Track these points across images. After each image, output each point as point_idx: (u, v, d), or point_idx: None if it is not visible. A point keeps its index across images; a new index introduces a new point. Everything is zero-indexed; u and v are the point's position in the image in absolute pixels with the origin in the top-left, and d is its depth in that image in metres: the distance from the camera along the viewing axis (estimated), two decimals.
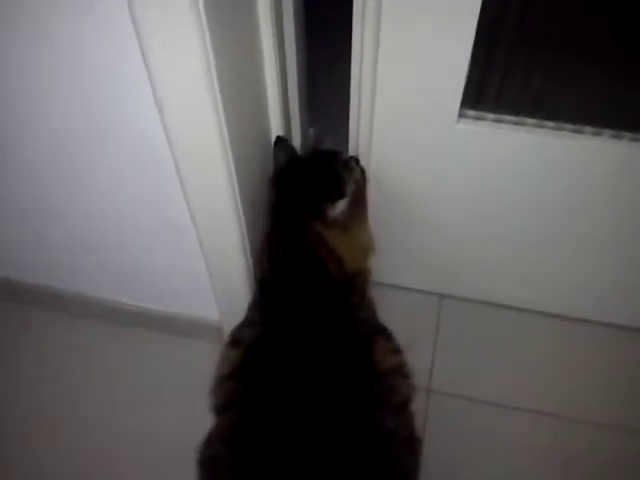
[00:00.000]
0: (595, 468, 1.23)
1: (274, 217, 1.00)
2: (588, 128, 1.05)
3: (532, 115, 1.05)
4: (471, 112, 1.06)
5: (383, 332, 1.00)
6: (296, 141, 1.19)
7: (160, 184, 1.01)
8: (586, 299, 1.39)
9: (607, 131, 1.05)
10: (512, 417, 1.30)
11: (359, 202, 1.03)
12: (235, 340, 0.99)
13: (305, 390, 0.89)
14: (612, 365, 1.38)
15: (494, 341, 1.41)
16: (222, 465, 0.89)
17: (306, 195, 0.99)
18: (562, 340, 1.41)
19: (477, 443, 1.26)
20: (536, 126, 1.06)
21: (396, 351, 0.98)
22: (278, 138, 1.07)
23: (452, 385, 1.34)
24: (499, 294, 1.44)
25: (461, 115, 1.06)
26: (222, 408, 0.95)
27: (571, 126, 1.05)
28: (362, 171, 1.07)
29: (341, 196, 0.98)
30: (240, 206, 1.00)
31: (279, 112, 1.07)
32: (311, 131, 1.24)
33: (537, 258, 1.32)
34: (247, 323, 1.01)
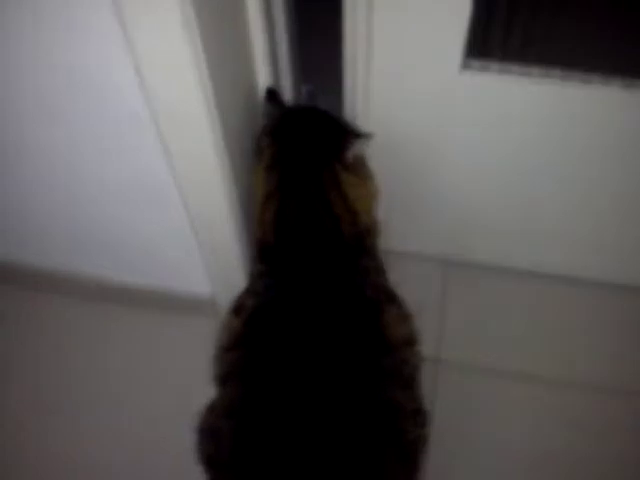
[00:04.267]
0: (611, 434, 1.22)
1: (280, 172, 0.94)
2: (596, 77, 1.01)
3: (538, 64, 1.01)
4: (475, 62, 1.02)
5: (393, 299, 0.97)
6: (287, 98, 1.12)
7: (144, 152, 0.97)
8: (601, 260, 1.36)
9: (618, 80, 1.00)
10: (522, 383, 1.28)
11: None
12: (237, 309, 0.96)
13: (310, 362, 0.86)
14: (630, 329, 1.35)
15: (501, 307, 1.39)
16: (223, 437, 0.88)
17: (322, 139, 0.94)
18: (573, 303, 1.39)
19: (487, 411, 1.25)
20: (543, 75, 1.02)
21: (407, 319, 0.96)
22: (269, 91, 1.01)
23: (461, 353, 1.32)
24: (508, 258, 1.41)
25: (464, 66, 1.01)
26: (224, 379, 0.93)
27: (579, 75, 1.01)
28: None
29: (358, 136, 0.95)
30: (228, 168, 0.96)
31: (267, 68, 1.02)
32: (304, 89, 1.18)
33: (547, 217, 1.28)
34: (249, 291, 0.97)
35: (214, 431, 0.90)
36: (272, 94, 1.01)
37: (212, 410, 0.92)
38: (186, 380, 1.17)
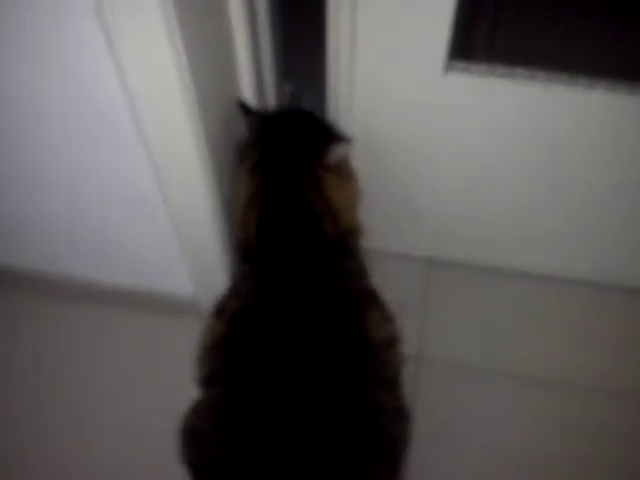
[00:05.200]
0: (592, 434, 1.23)
1: (262, 175, 0.94)
2: (581, 79, 1.01)
3: (522, 66, 1.01)
4: (458, 64, 1.01)
5: (375, 300, 0.97)
6: (270, 99, 1.12)
7: (131, 154, 0.97)
8: (582, 260, 1.37)
9: (602, 82, 1.00)
10: (504, 383, 1.29)
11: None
12: (220, 310, 0.96)
13: (293, 363, 0.86)
14: (609, 328, 1.36)
15: (484, 306, 1.39)
16: (207, 440, 0.88)
17: (304, 142, 0.94)
18: (556, 303, 1.39)
19: (469, 409, 1.26)
20: (527, 77, 1.01)
21: (388, 320, 0.96)
22: (241, 104, 1.00)
23: (443, 351, 1.33)
24: (489, 257, 1.41)
25: (448, 67, 1.00)
26: (207, 380, 0.94)
27: (563, 77, 1.01)
28: None
29: (340, 140, 0.95)
30: (210, 170, 0.95)
31: (250, 69, 1.01)
32: (286, 88, 1.17)
33: (530, 217, 1.29)
34: (232, 293, 0.98)
35: (197, 433, 0.91)
36: (244, 106, 1.00)
37: (195, 412, 0.93)
38: (171, 380, 1.17)
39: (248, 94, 1.04)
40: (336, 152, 0.93)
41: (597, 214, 1.24)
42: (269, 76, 1.09)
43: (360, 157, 1.01)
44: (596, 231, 1.29)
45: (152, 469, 1.18)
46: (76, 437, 1.26)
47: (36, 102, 0.91)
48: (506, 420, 1.25)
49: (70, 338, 1.38)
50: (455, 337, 1.35)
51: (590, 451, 1.21)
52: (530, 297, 1.40)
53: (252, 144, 0.96)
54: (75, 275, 1.35)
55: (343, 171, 0.97)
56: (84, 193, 1.09)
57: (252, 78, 1.03)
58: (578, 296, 1.39)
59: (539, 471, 1.20)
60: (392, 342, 0.96)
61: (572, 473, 1.19)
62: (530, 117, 1.06)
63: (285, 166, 0.93)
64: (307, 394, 0.85)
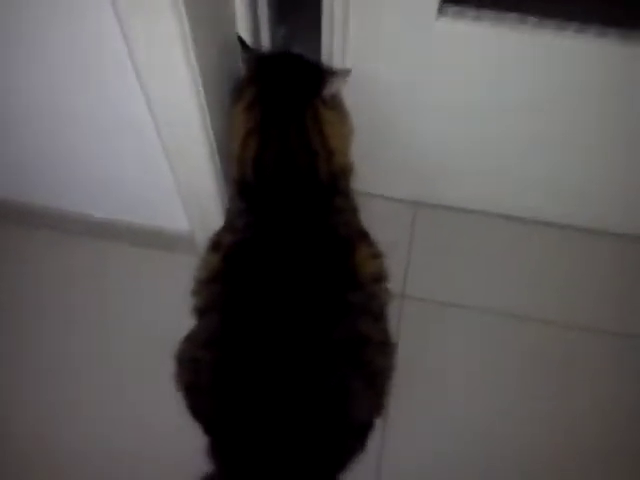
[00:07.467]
0: (572, 371, 1.27)
1: (260, 111, 0.95)
2: (572, 24, 1.01)
3: (514, 10, 1.01)
4: (451, 8, 1.01)
5: (364, 237, 1.00)
6: (265, 41, 1.12)
7: (127, 95, 0.96)
8: (561, 203, 1.39)
9: (592, 28, 1.01)
10: (486, 320, 1.32)
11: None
12: (215, 244, 0.99)
13: (285, 295, 0.90)
14: (588, 269, 1.39)
15: (468, 247, 1.41)
16: (202, 367, 0.92)
17: (302, 77, 0.96)
18: (537, 245, 1.42)
19: (450, 346, 1.29)
20: (518, 22, 1.02)
21: (376, 256, 0.99)
22: (241, 41, 1.01)
23: (426, 290, 1.35)
24: (474, 200, 1.43)
25: (440, 12, 1.01)
26: (202, 311, 0.97)
27: (553, 23, 1.01)
28: None
29: (337, 73, 0.97)
30: (205, 105, 0.95)
31: (245, 9, 1.01)
32: (280, 31, 1.17)
33: (516, 162, 1.30)
34: (227, 228, 1.01)
35: (193, 360, 0.94)
36: (242, 41, 1.00)
37: (191, 340, 0.96)
38: (168, 312, 1.18)
39: (243, 35, 1.03)
40: (334, 84, 0.95)
41: (581, 159, 1.25)
42: (264, 18, 1.09)
43: (352, 101, 1.02)
44: (580, 176, 1.30)
45: (152, 405, 1.21)
46: (74, 372, 1.28)
47: (28, 34, 0.90)
48: (488, 356, 1.28)
49: (67, 271, 1.39)
50: (437, 276, 1.37)
51: (561, 383, 1.25)
52: (510, 238, 1.42)
53: (249, 81, 0.97)
54: (73, 210, 1.35)
55: (340, 108, 0.99)
56: (79, 127, 1.09)
57: (247, 20, 1.02)
58: (556, 237, 1.41)
59: (520, 399, 1.24)
60: (380, 278, 0.99)
61: (543, 405, 1.23)
62: (520, 63, 1.06)
63: (284, 102, 0.94)
64: (298, 323, 0.88)
